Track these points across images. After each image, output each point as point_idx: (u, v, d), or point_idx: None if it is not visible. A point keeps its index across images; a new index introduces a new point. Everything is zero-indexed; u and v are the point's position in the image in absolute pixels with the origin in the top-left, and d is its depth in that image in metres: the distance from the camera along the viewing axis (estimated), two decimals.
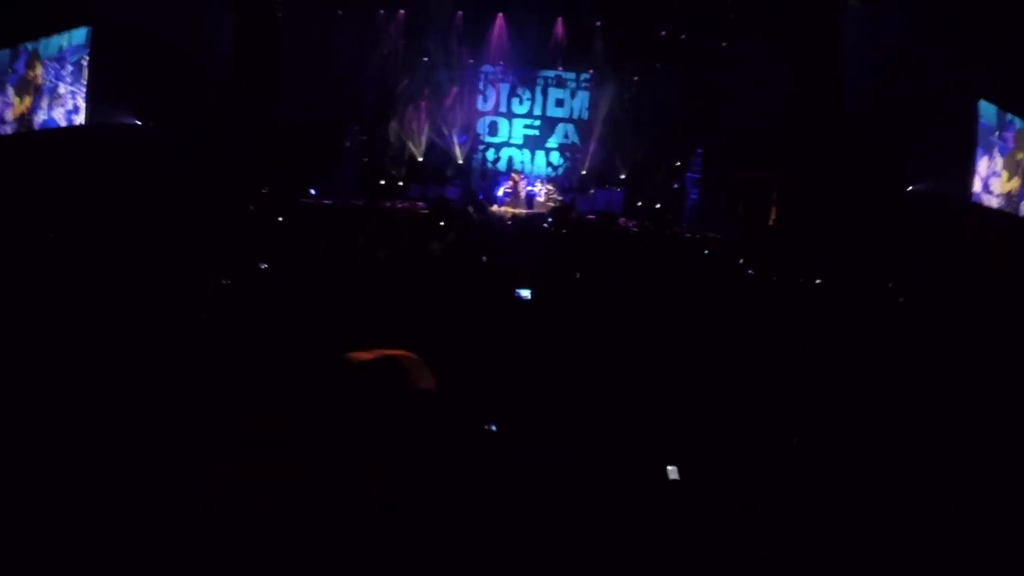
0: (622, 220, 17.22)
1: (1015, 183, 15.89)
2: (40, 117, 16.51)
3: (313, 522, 1.53)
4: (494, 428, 2.40)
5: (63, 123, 15.97)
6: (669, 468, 3.07)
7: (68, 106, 15.98)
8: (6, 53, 16.69)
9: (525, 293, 4.62)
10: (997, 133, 15.56)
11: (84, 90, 15.79)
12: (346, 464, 1.56)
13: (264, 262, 5.74)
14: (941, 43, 14.60)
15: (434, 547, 1.55)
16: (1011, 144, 15.80)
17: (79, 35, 15.78)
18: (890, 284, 8.98)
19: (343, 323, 3.87)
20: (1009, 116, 15.61)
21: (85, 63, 15.73)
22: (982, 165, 15.41)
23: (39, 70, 16.42)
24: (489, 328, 3.78)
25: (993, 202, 15.68)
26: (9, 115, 16.78)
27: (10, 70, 16.72)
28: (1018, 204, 16.02)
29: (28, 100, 16.61)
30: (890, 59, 15.32)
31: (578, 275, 5.51)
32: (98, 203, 11.03)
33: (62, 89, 16.03)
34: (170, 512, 1.81)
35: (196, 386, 2.92)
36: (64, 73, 16.01)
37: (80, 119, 15.82)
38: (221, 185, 13.50)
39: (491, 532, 1.84)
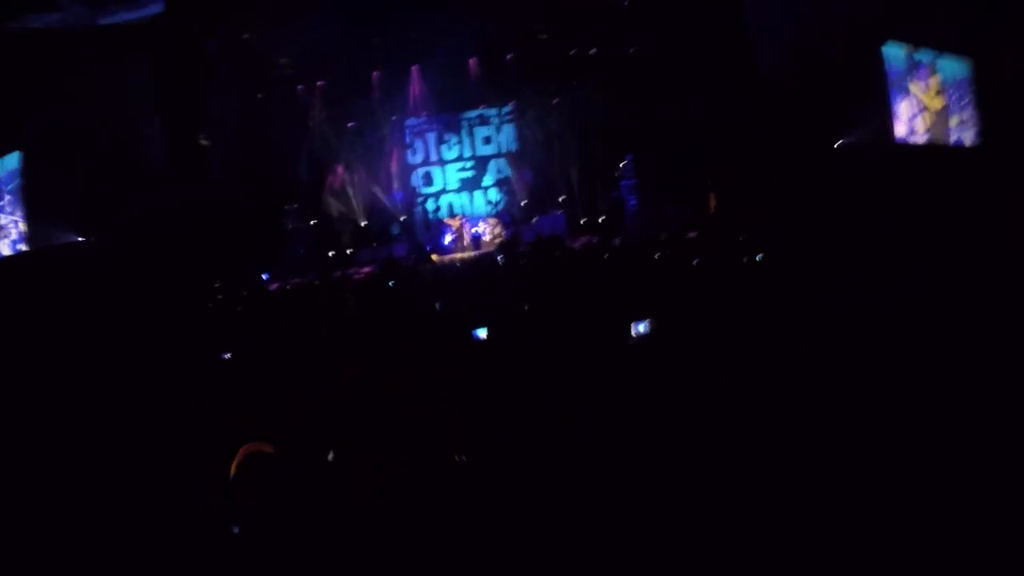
0: (580, 241, 17.30)
1: (936, 119, 16.41)
2: None
3: None
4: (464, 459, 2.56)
5: (9, 253, 15.80)
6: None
7: (12, 236, 15.78)
8: None
9: (481, 333, 4.78)
10: (909, 75, 16.08)
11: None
12: None
13: (227, 352, 5.82)
14: None
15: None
16: (926, 82, 16.30)
17: (11, 161, 15.65)
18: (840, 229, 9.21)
19: (312, 395, 4.01)
20: (918, 56, 16.12)
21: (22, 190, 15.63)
22: (903, 108, 15.87)
23: None
24: (450, 369, 3.95)
25: (920, 140, 16.15)
26: None
27: None
28: (943, 138, 16.56)
29: None
30: (798, 15, 15.77)
31: (526, 307, 5.67)
32: (55, 322, 11.04)
33: (3, 220, 15.87)
34: None
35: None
36: (2, 203, 15.85)
37: (25, 247, 15.71)
38: (173, 285, 13.52)
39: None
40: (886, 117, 15.60)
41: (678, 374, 3.29)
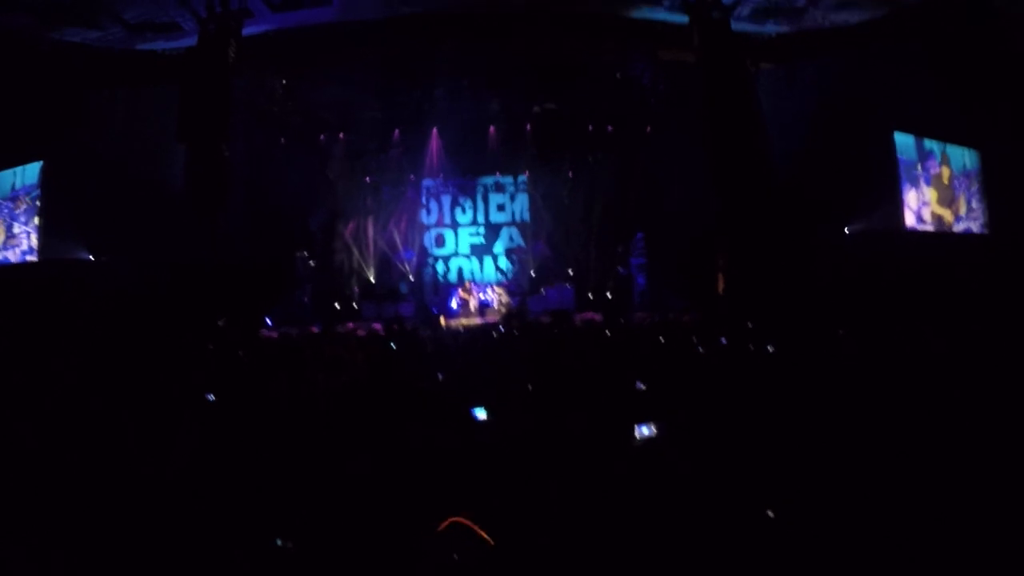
0: (583, 316, 17.26)
1: (944, 210, 16.59)
2: None
3: None
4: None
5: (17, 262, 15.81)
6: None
7: (23, 246, 15.81)
8: None
9: (480, 413, 4.65)
10: (919, 165, 16.30)
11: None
12: None
13: (215, 394, 5.71)
14: (852, 86, 15.45)
15: None
16: (935, 171, 16.52)
17: (32, 172, 15.80)
18: (840, 331, 9.20)
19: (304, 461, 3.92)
20: (928, 145, 16.37)
21: (39, 201, 15.70)
22: (911, 198, 16.04)
23: None
24: (446, 453, 3.86)
25: (929, 228, 16.31)
26: None
27: None
28: (951, 227, 16.72)
29: None
30: (808, 108, 16.09)
31: (530, 387, 5.59)
32: (53, 339, 10.99)
33: (16, 229, 15.91)
34: None
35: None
36: (18, 212, 15.91)
37: (35, 259, 15.72)
38: (177, 319, 13.49)
39: None
40: (896, 205, 15.77)
41: (683, 484, 3.23)
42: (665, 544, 2.74)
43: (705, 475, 3.35)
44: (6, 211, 16.08)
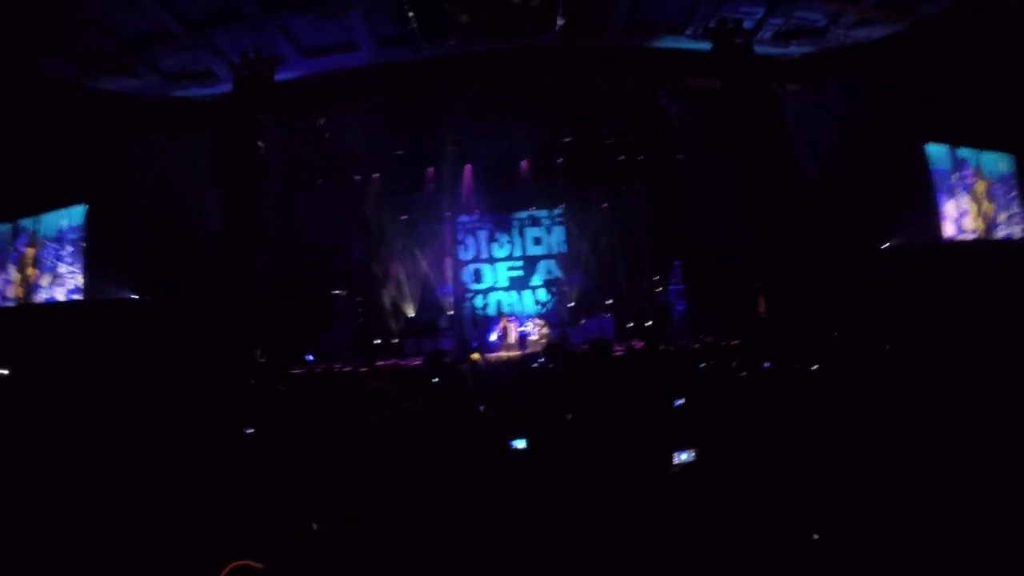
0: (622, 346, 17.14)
1: (981, 221, 16.29)
2: (41, 296, 16.77)
3: None
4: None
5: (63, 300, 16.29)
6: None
7: (69, 286, 16.32)
8: (7, 228, 17.15)
9: (520, 443, 4.62)
10: (955, 175, 16.06)
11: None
12: None
13: (253, 427, 5.75)
14: (879, 101, 15.34)
15: None
16: (971, 180, 16.26)
17: (77, 214, 16.34)
18: (887, 346, 9.01)
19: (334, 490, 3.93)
20: (961, 154, 16.14)
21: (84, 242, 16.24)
22: (949, 208, 15.81)
23: (39, 249, 16.85)
24: (486, 484, 3.84)
25: (969, 238, 16.12)
26: (10, 292, 17.06)
27: (11, 248, 17.12)
28: (991, 233, 16.40)
29: (30, 278, 16.91)
30: (837, 126, 15.98)
31: (569, 416, 5.55)
32: (96, 374, 11.19)
33: (62, 269, 16.43)
34: None
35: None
36: (64, 253, 16.44)
37: (80, 298, 16.22)
38: (218, 356, 13.68)
39: None
40: (933, 217, 15.55)
41: (721, 510, 3.18)
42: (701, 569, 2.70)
43: (745, 499, 3.29)
44: (52, 252, 16.58)
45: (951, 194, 15.95)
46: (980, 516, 3.04)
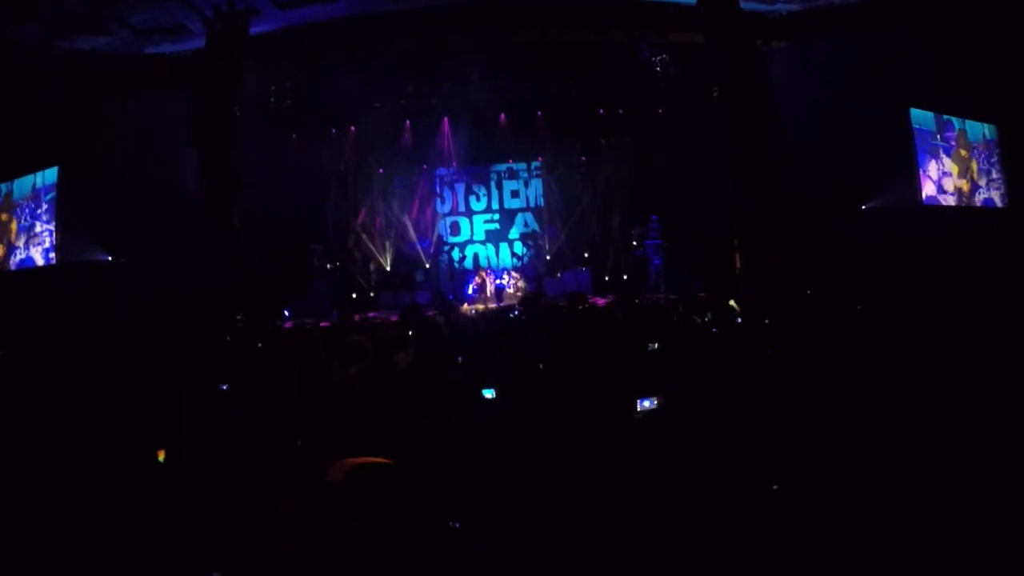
0: (599, 299, 17.26)
1: (964, 181, 16.48)
2: (17, 257, 16.53)
3: None
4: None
5: (41, 262, 16.09)
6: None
7: (46, 244, 16.08)
8: None
9: (488, 393, 4.73)
10: (938, 136, 16.18)
11: None
12: None
13: (228, 384, 5.79)
14: (866, 63, 15.37)
15: None
16: (954, 143, 16.41)
17: (51, 173, 16.02)
18: (857, 307, 9.17)
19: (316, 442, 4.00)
20: (946, 117, 16.26)
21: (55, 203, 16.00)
22: (931, 168, 15.95)
23: (14, 210, 16.60)
24: (454, 432, 3.93)
25: (950, 200, 16.26)
26: None
27: None
28: (972, 198, 16.61)
29: (5, 242, 16.68)
30: (822, 86, 16.08)
31: (541, 366, 5.66)
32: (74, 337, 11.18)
33: (39, 227, 16.17)
34: None
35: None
36: (40, 211, 16.16)
37: (55, 256, 16.02)
38: (196, 316, 13.67)
39: None
40: (914, 179, 15.67)
41: (680, 455, 3.25)
42: (663, 519, 2.77)
43: (705, 448, 3.37)
44: (28, 210, 16.37)
45: (934, 155, 16.06)
46: (937, 471, 3.12)
